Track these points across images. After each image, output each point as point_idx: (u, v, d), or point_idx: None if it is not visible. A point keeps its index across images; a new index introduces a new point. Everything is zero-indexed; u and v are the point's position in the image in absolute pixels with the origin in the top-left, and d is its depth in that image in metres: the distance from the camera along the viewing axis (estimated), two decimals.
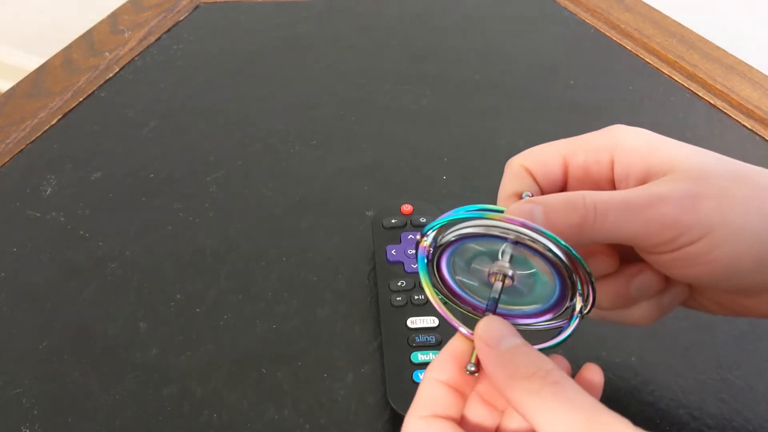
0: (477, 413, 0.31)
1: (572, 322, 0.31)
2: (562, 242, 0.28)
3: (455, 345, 0.31)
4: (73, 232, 0.50)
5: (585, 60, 0.66)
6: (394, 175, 0.55)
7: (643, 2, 0.72)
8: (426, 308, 0.43)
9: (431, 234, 0.31)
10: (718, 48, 0.66)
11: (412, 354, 0.40)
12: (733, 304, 0.34)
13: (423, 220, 0.47)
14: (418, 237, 0.32)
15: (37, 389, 0.41)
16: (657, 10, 0.71)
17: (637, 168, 0.32)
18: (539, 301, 0.32)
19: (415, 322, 0.42)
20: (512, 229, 0.29)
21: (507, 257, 0.30)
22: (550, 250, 0.29)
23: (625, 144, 0.33)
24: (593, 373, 0.30)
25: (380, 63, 0.66)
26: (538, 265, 0.30)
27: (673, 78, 0.63)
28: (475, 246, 0.31)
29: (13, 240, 0.50)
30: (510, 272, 0.31)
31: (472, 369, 0.30)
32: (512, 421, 0.30)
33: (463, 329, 0.31)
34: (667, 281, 0.33)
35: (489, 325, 0.29)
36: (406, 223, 0.47)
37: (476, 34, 0.69)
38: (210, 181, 0.54)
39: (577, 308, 0.31)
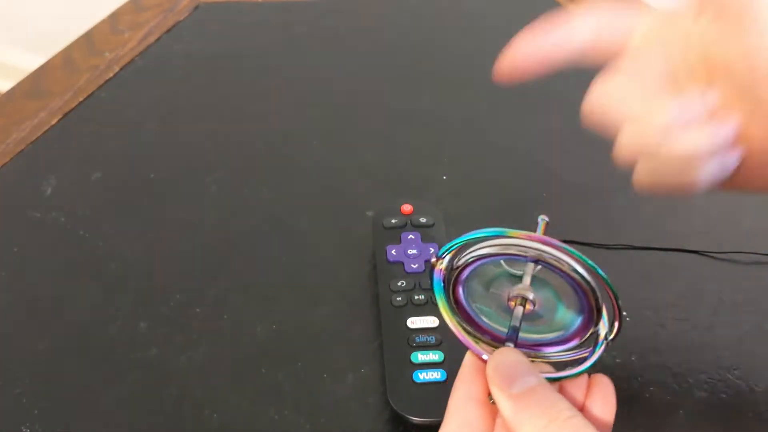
0: None
1: (597, 349, 0.29)
2: (588, 261, 0.27)
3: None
4: (73, 232, 0.50)
5: None
6: (394, 175, 0.55)
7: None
8: (426, 308, 0.43)
9: (447, 256, 0.30)
10: None
11: (412, 354, 0.40)
12: None
13: (423, 220, 0.47)
14: (433, 260, 0.30)
15: (37, 389, 0.41)
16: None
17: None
18: (561, 327, 0.30)
19: (415, 322, 0.42)
20: (533, 247, 0.27)
21: (527, 279, 0.29)
22: (575, 270, 0.27)
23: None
24: (604, 386, 0.29)
25: (380, 63, 0.66)
26: (561, 288, 0.29)
27: None
28: (493, 268, 0.30)
29: (13, 240, 0.50)
30: (531, 295, 0.29)
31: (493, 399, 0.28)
32: None
33: (484, 355, 0.29)
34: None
35: (501, 363, 0.27)
36: (406, 223, 0.47)
37: (476, 34, 0.69)
38: (210, 181, 0.54)
39: (602, 334, 0.29)
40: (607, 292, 0.27)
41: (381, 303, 0.43)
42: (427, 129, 0.59)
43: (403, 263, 0.45)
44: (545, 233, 0.29)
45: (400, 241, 0.46)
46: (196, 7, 0.72)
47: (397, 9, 0.73)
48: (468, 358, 0.30)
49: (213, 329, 0.44)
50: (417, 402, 0.39)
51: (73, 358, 0.43)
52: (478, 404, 0.28)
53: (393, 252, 0.45)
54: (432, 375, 0.39)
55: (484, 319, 0.31)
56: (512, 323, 0.29)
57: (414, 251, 0.45)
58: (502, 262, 0.29)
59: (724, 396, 0.40)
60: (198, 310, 0.45)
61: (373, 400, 0.41)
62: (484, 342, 0.31)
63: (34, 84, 0.64)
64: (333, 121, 0.60)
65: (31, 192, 0.53)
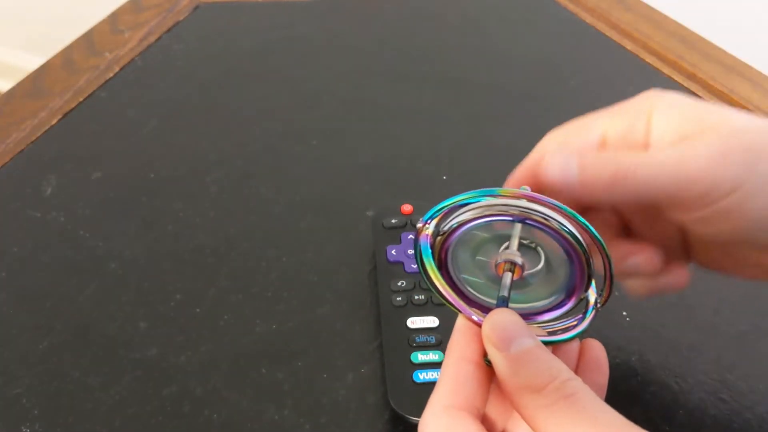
0: (490, 409, 0.29)
1: (587, 315, 0.29)
2: (580, 218, 0.26)
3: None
4: (73, 232, 0.50)
5: (585, 60, 0.66)
6: (394, 175, 0.55)
7: (643, 2, 0.72)
8: (426, 308, 0.43)
9: (433, 222, 0.29)
10: (718, 48, 0.66)
11: (412, 354, 0.40)
12: (763, 264, 0.33)
13: None
14: (419, 225, 0.29)
15: (37, 389, 0.41)
16: (657, 10, 0.71)
17: (672, 130, 0.31)
18: (550, 293, 0.29)
19: (415, 322, 0.42)
20: (519, 205, 0.26)
21: (515, 242, 0.28)
22: (565, 228, 0.26)
23: (661, 107, 0.32)
24: (596, 350, 0.29)
25: (380, 63, 0.66)
26: (551, 249, 0.28)
27: (673, 78, 0.63)
28: (481, 234, 0.29)
29: (13, 240, 0.50)
30: (519, 260, 0.28)
31: (489, 359, 0.27)
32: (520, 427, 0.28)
33: (475, 317, 0.28)
34: (664, 266, 0.33)
35: (497, 323, 0.27)
36: (406, 223, 0.47)
37: (476, 34, 0.69)
38: (210, 181, 0.54)
39: (592, 300, 0.29)
40: (600, 253, 0.27)
41: (381, 303, 0.43)
42: (427, 129, 0.59)
43: (403, 263, 0.45)
44: None
45: (400, 241, 0.46)
46: (196, 7, 0.72)
47: (397, 9, 0.73)
48: (460, 321, 0.29)
49: (213, 329, 0.44)
50: (417, 402, 0.39)
51: (74, 358, 0.43)
52: (472, 364, 0.28)
53: (393, 252, 0.45)
54: (432, 375, 0.39)
55: (471, 291, 0.30)
56: (501, 293, 0.28)
57: (414, 240, 0.45)
58: (489, 225, 0.28)
59: (724, 396, 0.40)
60: (198, 310, 0.45)
61: (373, 400, 0.41)
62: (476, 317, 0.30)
63: (34, 84, 0.64)
64: (333, 121, 0.60)
65: (31, 192, 0.53)
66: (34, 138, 0.58)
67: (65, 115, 0.60)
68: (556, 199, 0.27)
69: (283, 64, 0.66)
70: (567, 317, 0.30)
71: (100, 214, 0.52)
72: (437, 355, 0.40)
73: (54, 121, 0.59)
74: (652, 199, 0.30)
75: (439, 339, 0.41)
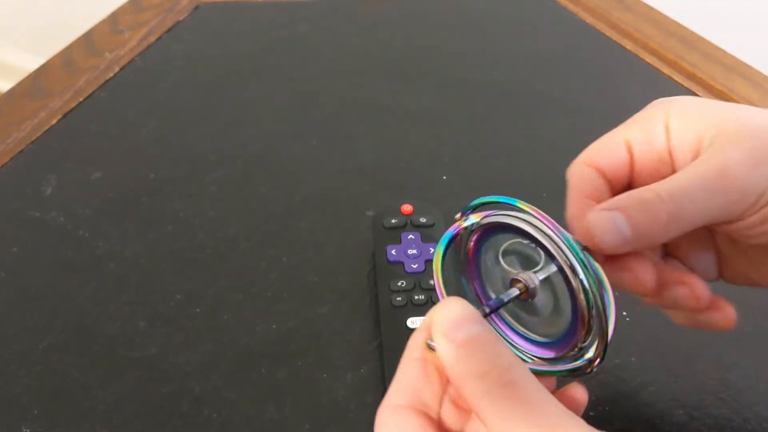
0: (448, 414, 0.28)
1: (571, 363, 0.29)
2: (606, 286, 0.27)
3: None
4: (73, 232, 0.50)
5: (585, 60, 0.66)
6: (394, 175, 0.55)
7: (643, 2, 0.72)
8: (426, 308, 0.43)
9: (471, 216, 0.29)
10: (718, 48, 0.66)
11: None
12: None
13: (423, 220, 0.47)
14: (458, 216, 0.30)
15: (37, 389, 0.41)
16: (657, 10, 0.71)
17: (690, 135, 0.31)
18: (546, 336, 0.30)
19: (415, 322, 0.42)
20: (564, 252, 0.26)
21: (541, 276, 0.28)
22: (585, 289, 0.26)
23: (674, 112, 0.32)
24: (577, 390, 0.29)
25: (380, 63, 0.66)
26: (563, 301, 0.28)
27: (673, 78, 0.63)
28: (516, 243, 0.29)
29: (13, 240, 0.50)
30: (534, 286, 0.28)
31: (432, 344, 0.26)
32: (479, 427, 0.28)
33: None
34: (709, 305, 0.32)
35: (445, 309, 0.26)
36: (406, 223, 0.47)
37: (476, 34, 0.69)
38: (210, 181, 0.54)
39: (587, 356, 0.29)
40: (602, 322, 0.27)
41: (381, 303, 0.43)
42: (427, 129, 0.59)
43: (403, 263, 0.45)
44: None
45: (400, 241, 0.46)
46: (196, 7, 0.72)
47: (397, 9, 0.73)
48: (420, 322, 0.29)
49: (213, 328, 0.44)
50: None
51: (73, 358, 0.43)
52: (420, 362, 0.28)
53: (393, 252, 0.45)
54: None
55: (485, 285, 0.31)
56: (500, 296, 0.29)
57: (414, 251, 0.45)
58: (529, 244, 0.29)
59: (724, 396, 0.40)
60: (198, 310, 0.45)
61: (372, 399, 0.41)
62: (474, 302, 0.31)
63: (34, 84, 0.64)
64: (333, 121, 0.60)
65: (31, 192, 0.53)
66: (34, 138, 0.58)
67: (65, 115, 0.60)
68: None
69: (283, 64, 0.66)
70: (550, 363, 0.30)
71: (100, 214, 0.52)
72: None
73: (54, 121, 0.59)
74: (706, 223, 0.29)
75: None
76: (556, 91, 0.62)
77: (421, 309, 0.42)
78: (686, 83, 0.62)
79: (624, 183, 0.33)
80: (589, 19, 0.70)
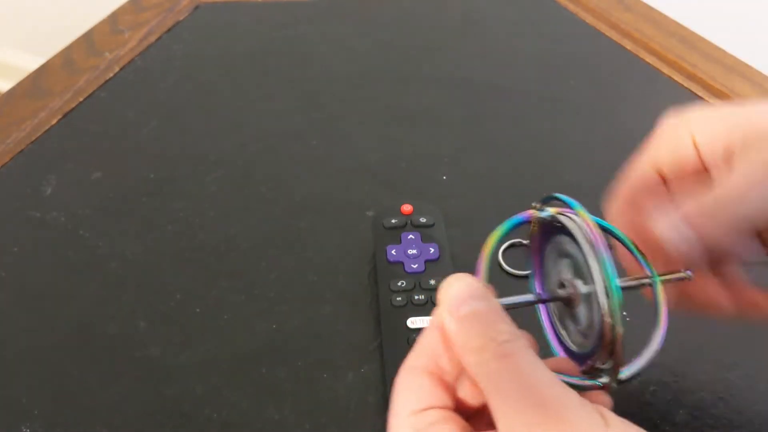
0: (467, 390, 0.29)
1: (588, 381, 0.29)
2: (660, 322, 0.29)
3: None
4: (73, 232, 0.50)
5: (585, 60, 0.66)
6: (394, 175, 0.55)
7: (643, 2, 0.72)
8: (426, 308, 0.43)
9: (548, 209, 0.30)
10: (718, 48, 0.66)
11: None
12: None
13: (423, 220, 0.47)
14: (536, 204, 0.30)
15: (37, 389, 0.41)
16: (657, 10, 0.71)
17: (719, 145, 0.31)
18: (579, 343, 0.31)
19: (415, 322, 0.42)
20: (599, 279, 0.27)
21: (584, 289, 0.29)
22: (609, 318, 0.27)
23: (695, 124, 0.33)
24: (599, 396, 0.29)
25: (380, 63, 0.66)
26: (597, 317, 0.28)
27: (673, 78, 0.63)
28: (576, 251, 0.29)
29: (13, 240, 0.50)
30: (578, 295, 0.29)
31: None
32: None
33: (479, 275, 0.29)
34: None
35: (451, 286, 0.27)
36: (406, 223, 0.47)
37: (476, 35, 0.69)
38: (210, 181, 0.54)
39: (601, 380, 0.29)
40: (613, 345, 0.27)
41: (381, 303, 0.43)
42: (427, 129, 0.59)
43: (403, 263, 0.45)
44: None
45: (400, 241, 0.46)
46: (196, 7, 0.72)
47: (398, 9, 0.73)
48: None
49: (213, 328, 0.44)
50: None
51: (74, 358, 0.43)
52: (442, 331, 0.28)
53: (393, 252, 0.45)
54: None
55: (543, 276, 0.32)
56: (549, 292, 0.30)
57: (414, 251, 0.45)
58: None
59: (723, 396, 0.40)
60: (198, 310, 0.45)
61: (373, 399, 0.41)
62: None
63: (34, 84, 0.64)
64: (333, 121, 0.60)
65: (31, 192, 0.53)
66: (34, 138, 0.58)
67: (65, 115, 0.60)
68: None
69: (283, 64, 0.66)
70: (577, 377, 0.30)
71: (100, 214, 0.52)
72: None
73: (54, 121, 0.59)
74: (765, 222, 0.30)
75: None
76: (556, 91, 0.62)
77: (421, 309, 0.42)
78: (686, 83, 0.62)
79: (659, 203, 0.34)
80: (589, 19, 0.70)
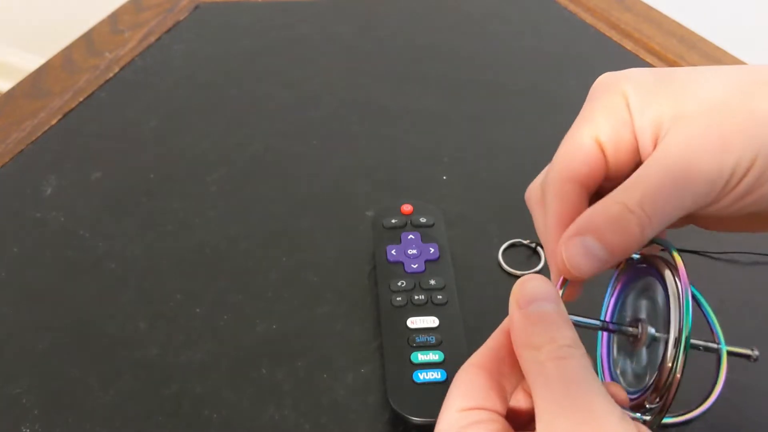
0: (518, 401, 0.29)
1: (634, 413, 0.29)
2: (719, 382, 0.29)
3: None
4: (73, 232, 0.50)
5: (585, 60, 0.66)
6: (394, 175, 0.55)
7: (643, 2, 0.72)
8: (426, 308, 0.43)
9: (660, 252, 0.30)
10: (718, 48, 0.66)
11: (412, 354, 0.40)
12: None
13: (423, 220, 0.47)
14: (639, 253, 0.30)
15: (37, 389, 0.41)
16: (657, 10, 0.71)
17: (647, 116, 0.29)
18: (630, 383, 0.31)
19: (415, 322, 0.42)
20: (673, 330, 0.27)
21: (653, 331, 0.29)
22: (671, 372, 0.27)
23: (632, 91, 0.30)
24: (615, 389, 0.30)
25: (380, 63, 0.66)
26: (656, 362, 0.29)
27: None
28: (658, 296, 0.30)
29: (13, 240, 0.50)
30: (644, 336, 0.29)
31: None
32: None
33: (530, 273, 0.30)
34: None
35: (526, 284, 0.28)
36: (406, 223, 0.47)
37: (476, 34, 0.69)
38: (210, 181, 0.54)
39: (647, 416, 0.29)
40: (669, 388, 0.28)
41: (381, 303, 0.43)
42: (427, 129, 0.59)
43: (403, 263, 0.45)
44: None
45: (400, 241, 0.46)
46: (196, 7, 0.72)
47: (398, 9, 0.73)
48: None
49: (213, 329, 0.44)
50: (417, 402, 0.39)
51: (73, 358, 0.43)
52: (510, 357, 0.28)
53: (393, 252, 0.45)
54: (432, 375, 0.39)
55: (618, 307, 0.33)
56: (617, 324, 0.30)
57: (414, 251, 0.45)
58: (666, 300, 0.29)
59: (723, 396, 0.40)
60: (198, 310, 0.45)
61: (373, 400, 0.41)
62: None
63: (34, 84, 0.64)
64: (333, 122, 0.60)
65: (31, 192, 0.53)
66: (34, 138, 0.58)
67: (65, 115, 0.60)
68: None
69: (284, 64, 0.66)
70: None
71: (100, 214, 0.52)
72: (437, 355, 0.40)
73: (54, 121, 0.59)
74: (681, 215, 0.29)
75: (439, 339, 0.41)
76: (556, 91, 0.62)
77: (422, 309, 0.42)
78: None
79: (598, 184, 0.31)
80: (589, 19, 0.70)
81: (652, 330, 0.29)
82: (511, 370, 0.28)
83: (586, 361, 0.26)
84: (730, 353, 0.32)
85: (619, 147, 0.30)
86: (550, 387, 0.25)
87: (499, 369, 0.28)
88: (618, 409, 0.25)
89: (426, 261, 0.45)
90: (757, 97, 0.28)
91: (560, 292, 0.29)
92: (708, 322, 0.32)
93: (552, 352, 0.26)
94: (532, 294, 0.27)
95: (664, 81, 0.30)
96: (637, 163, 0.30)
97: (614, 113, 0.30)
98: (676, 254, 0.29)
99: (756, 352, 0.32)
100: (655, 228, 0.28)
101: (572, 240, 0.28)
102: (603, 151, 0.30)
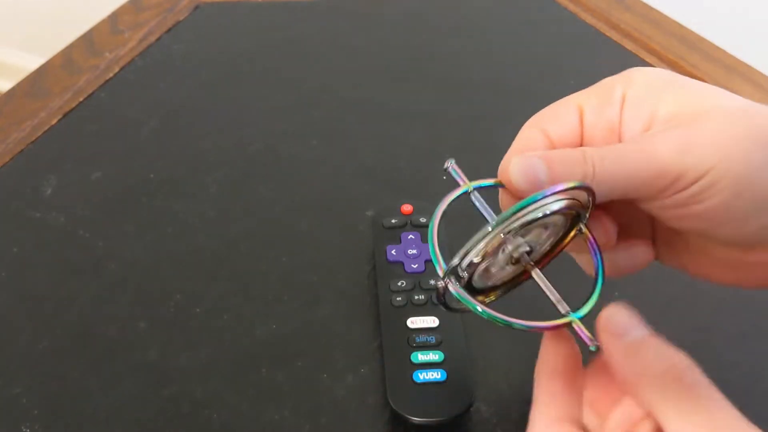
0: (587, 420, 0.29)
1: (599, 261, 0.30)
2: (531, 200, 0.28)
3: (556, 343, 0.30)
4: (73, 232, 0.50)
5: (585, 60, 0.66)
6: (394, 175, 0.54)
7: (643, 2, 0.72)
8: (426, 308, 0.42)
9: (451, 278, 0.30)
10: (718, 48, 0.66)
11: (412, 354, 0.40)
12: (732, 263, 0.32)
13: (423, 220, 0.47)
14: (440, 284, 0.30)
15: (37, 389, 0.41)
16: (657, 10, 0.71)
17: (644, 110, 0.31)
18: (551, 236, 0.32)
19: (415, 322, 0.42)
20: (506, 228, 0.29)
21: (516, 240, 0.30)
22: (551, 212, 0.28)
23: (636, 83, 0.31)
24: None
25: (380, 63, 0.66)
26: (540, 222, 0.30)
27: None
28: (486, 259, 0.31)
29: (13, 240, 0.50)
30: (525, 248, 0.30)
31: (597, 345, 0.28)
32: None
33: (549, 324, 0.29)
34: (620, 240, 0.33)
35: (615, 315, 0.28)
36: (406, 223, 0.47)
37: (476, 34, 0.69)
38: (210, 181, 0.54)
39: (584, 228, 0.31)
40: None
41: (381, 303, 0.43)
42: (427, 129, 0.59)
43: (403, 263, 0.45)
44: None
45: (400, 241, 0.46)
46: (196, 7, 0.72)
47: (397, 9, 0.73)
48: (546, 336, 0.30)
49: (213, 329, 0.44)
50: (417, 402, 0.39)
51: (73, 358, 0.43)
52: (563, 377, 0.29)
53: (393, 252, 0.45)
54: (432, 375, 0.39)
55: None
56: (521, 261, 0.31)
57: (414, 251, 0.45)
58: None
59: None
60: (198, 310, 0.45)
61: (373, 400, 0.41)
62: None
63: (34, 84, 0.64)
64: (333, 121, 0.60)
65: (31, 192, 0.53)
66: (34, 138, 0.58)
67: (65, 115, 0.60)
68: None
69: (284, 64, 0.66)
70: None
71: (100, 214, 0.52)
72: (437, 355, 0.40)
73: (54, 121, 0.59)
74: (621, 196, 0.30)
75: (439, 339, 0.41)
76: (556, 91, 0.62)
77: (422, 309, 0.42)
78: None
79: (573, 142, 0.33)
80: (589, 19, 0.70)
81: (525, 248, 0.31)
82: (578, 410, 0.28)
83: (706, 379, 0.27)
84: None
85: (597, 124, 0.32)
86: (693, 418, 0.25)
87: (575, 414, 0.28)
88: (751, 424, 0.26)
89: (426, 261, 0.45)
90: (743, 120, 0.29)
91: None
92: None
93: (680, 379, 0.26)
94: (626, 323, 0.28)
95: (677, 83, 0.31)
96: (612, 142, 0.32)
97: (607, 95, 0.32)
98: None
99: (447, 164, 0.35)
100: (597, 187, 0.29)
101: (526, 156, 0.30)
102: (581, 120, 0.33)
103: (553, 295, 0.30)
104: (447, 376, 0.39)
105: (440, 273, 0.30)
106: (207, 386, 0.41)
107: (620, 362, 0.27)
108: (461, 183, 0.34)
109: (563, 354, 0.29)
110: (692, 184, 0.28)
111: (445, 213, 0.32)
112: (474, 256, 0.30)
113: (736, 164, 0.28)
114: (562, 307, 0.30)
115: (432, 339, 0.41)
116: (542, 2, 0.72)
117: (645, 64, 0.64)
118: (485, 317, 0.30)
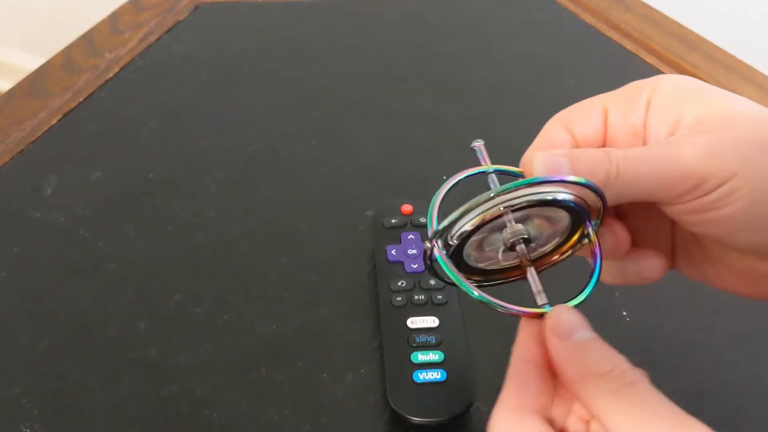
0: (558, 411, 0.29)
1: (597, 266, 0.30)
2: (538, 179, 0.29)
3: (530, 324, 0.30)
4: (73, 232, 0.50)
5: (585, 60, 0.66)
6: (394, 175, 0.55)
7: (643, 2, 0.72)
8: (426, 308, 0.43)
9: (438, 240, 0.30)
10: (719, 48, 0.66)
11: (412, 354, 0.40)
12: (749, 273, 0.32)
13: (423, 220, 0.47)
14: (427, 244, 0.30)
15: (37, 389, 0.41)
16: (657, 10, 0.71)
17: (669, 115, 0.31)
18: (555, 236, 0.32)
19: (415, 322, 0.42)
20: (495, 205, 0.29)
21: (512, 226, 0.30)
22: (548, 199, 0.28)
23: (663, 89, 0.32)
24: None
25: (380, 63, 0.66)
26: (544, 213, 0.30)
27: None
28: (481, 234, 0.30)
29: (13, 240, 0.50)
30: (525, 234, 0.30)
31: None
32: None
33: (522, 309, 0.29)
34: (631, 250, 0.33)
35: (560, 316, 0.28)
36: (406, 223, 0.47)
37: (476, 34, 0.69)
38: (210, 181, 0.54)
39: (592, 233, 0.31)
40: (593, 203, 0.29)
41: (381, 303, 0.43)
42: (427, 129, 0.59)
43: (403, 263, 0.45)
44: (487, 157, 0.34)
45: (400, 241, 0.46)
46: (196, 7, 0.72)
47: (397, 9, 0.73)
48: (522, 324, 0.30)
49: (213, 329, 0.44)
50: (417, 402, 0.39)
51: (73, 358, 0.43)
52: (534, 365, 0.29)
53: (393, 252, 0.45)
54: (432, 375, 0.39)
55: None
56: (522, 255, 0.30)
57: (414, 251, 0.45)
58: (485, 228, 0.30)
59: (724, 396, 0.40)
60: (198, 310, 0.45)
61: (373, 400, 0.41)
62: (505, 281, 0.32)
63: (34, 84, 0.64)
64: (333, 121, 0.60)
65: (31, 192, 0.53)
66: (34, 138, 0.58)
67: (65, 115, 0.60)
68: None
69: (284, 64, 0.66)
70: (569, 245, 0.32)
71: (100, 214, 0.52)
72: (437, 355, 0.40)
73: (54, 121, 0.59)
74: (644, 198, 0.30)
75: (439, 339, 0.41)
76: (556, 91, 0.62)
77: (421, 309, 0.42)
78: None
79: (597, 143, 0.33)
80: (589, 19, 0.70)
81: (524, 234, 0.30)
82: (547, 400, 0.28)
83: (647, 380, 0.26)
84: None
85: (621, 126, 0.32)
86: (634, 416, 0.25)
87: (542, 405, 0.28)
88: (699, 422, 0.26)
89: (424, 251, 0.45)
90: (765, 128, 0.29)
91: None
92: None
93: (621, 378, 0.26)
94: (571, 324, 0.28)
95: (703, 91, 0.31)
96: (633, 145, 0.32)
97: (633, 98, 0.32)
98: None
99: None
100: (619, 188, 0.29)
101: (549, 152, 0.31)
102: (605, 121, 0.33)
103: (536, 286, 0.30)
104: (447, 376, 0.39)
105: (429, 234, 0.30)
106: (207, 386, 0.41)
107: (565, 362, 0.27)
108: (483, 163, 0.34)
109: (537, 341, 0.29)
110: (715, 188, 0.28)
111: (446, 215, 0.31)
112: (467, 223, 0.29)
113: (758, 171, 0.28)
114: (540, 299, 0.30)
115: (432, 339, 0.41)
116: (542, 2, 0.73)
117: (645, 64, 0.64)
118: (462, 287, 0.29)
